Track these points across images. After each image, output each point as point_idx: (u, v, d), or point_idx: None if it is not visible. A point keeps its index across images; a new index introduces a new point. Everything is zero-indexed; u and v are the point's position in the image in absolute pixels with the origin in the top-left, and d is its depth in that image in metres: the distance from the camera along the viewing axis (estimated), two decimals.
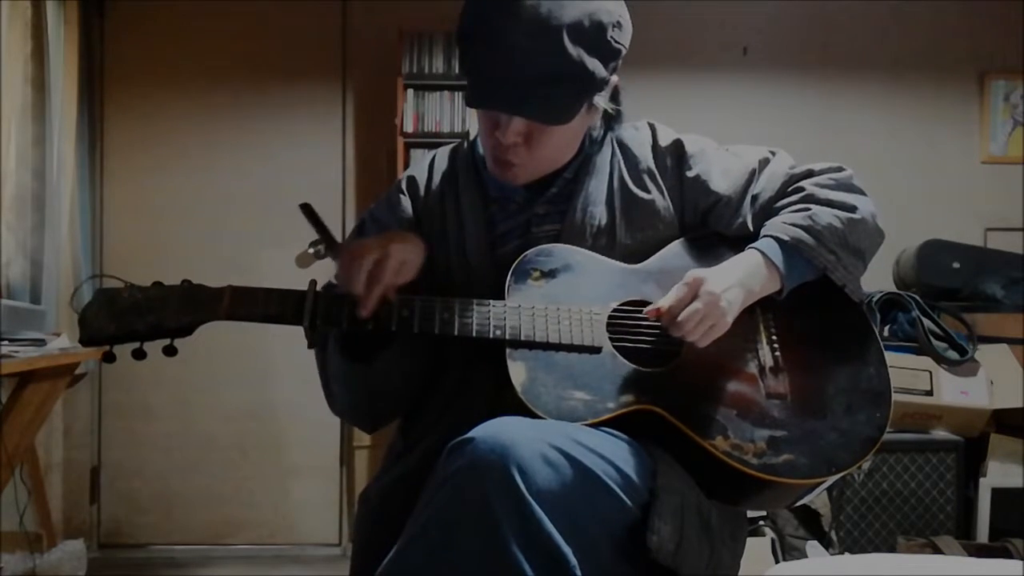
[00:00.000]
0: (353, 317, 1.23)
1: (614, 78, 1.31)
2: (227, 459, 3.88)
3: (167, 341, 1.22)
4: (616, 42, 1.26)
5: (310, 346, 1.29)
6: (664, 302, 1.25)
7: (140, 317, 1.21)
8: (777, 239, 1.30)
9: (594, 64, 1.24)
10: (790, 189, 1.37)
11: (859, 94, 3.99)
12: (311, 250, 1.35)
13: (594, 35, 1.23)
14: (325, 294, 1.24)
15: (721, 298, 1.23)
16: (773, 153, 1.42)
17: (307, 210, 1.28)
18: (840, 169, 1.39)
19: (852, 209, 1.33)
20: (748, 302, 1.28)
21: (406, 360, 1.32)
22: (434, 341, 1.26)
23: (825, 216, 1.31)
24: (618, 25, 1.26)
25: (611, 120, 1.40)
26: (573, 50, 1.21)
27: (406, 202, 1.43)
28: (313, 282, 1.25)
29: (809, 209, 1.32)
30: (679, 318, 1.22)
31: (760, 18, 3.98)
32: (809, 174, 1.38)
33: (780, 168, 1.39)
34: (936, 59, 4.01)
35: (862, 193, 1.37)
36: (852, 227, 1.32)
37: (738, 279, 1.26)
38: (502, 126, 1.28)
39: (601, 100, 1.31)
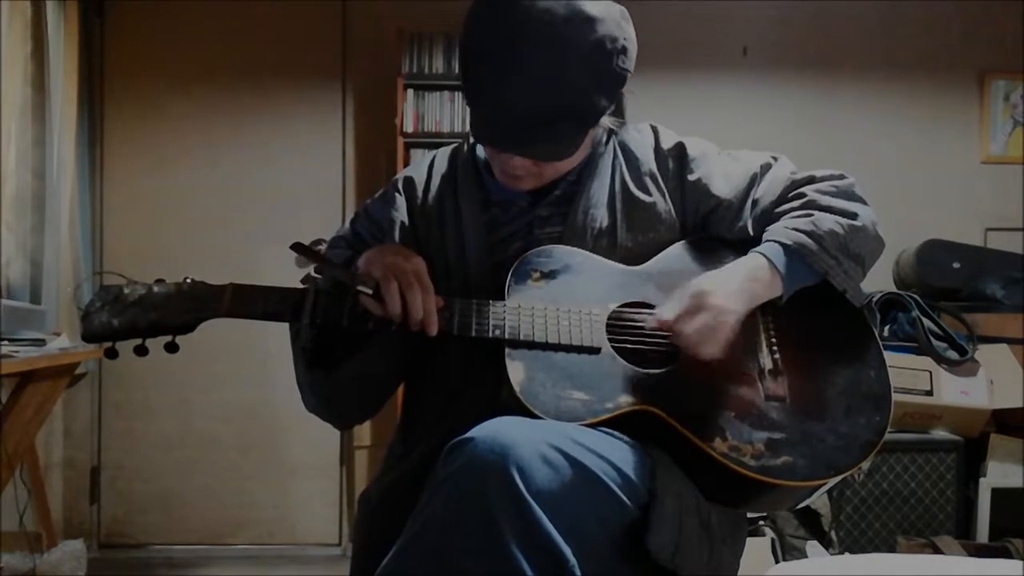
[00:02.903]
0: (354, 315, 1.23)
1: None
2: (227, 459, 3.89)
3: (169, 338, 1.22)
4: (621, 68, 1.26)
5: (304, 346, 1.29)
6: (668, 312, 1.25)
7: (143, 314, 1.21)
8: (780, 243, 1.30)
9: (599, 99, 1.24)
10: (791, 194, 1.37)
11: (859, 94, 4.00)
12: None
13: (601, 65, 1.23)
14: (325, 293, 1.24)
15: (728, 311, 1.23)
16: (775, 158, 1.42)
17: (299, 248, 1.25)
18: (842, 176, 1.39)
19: (853, 216, 1.34)
20: (750, 307, 1.29)
21: (377, 362, 1.32)
22: (423, 342, 1.26)
23: (827, 222, 1.31)
24: (623, 51, 1.26)
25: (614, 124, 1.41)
26: (580, 85, 1.22)
27: (401, 201, 1.43)
28: (314, 280, 1.25)
29: (811, 215, 1.32)
30: (686, 331, 1.22)
31: (760, 18, 3.98)
32: (811, 180, 1.38)
33: (782, 173, 1.39)
34: (936, 59, 4.01)
35: (863, 201, 1.37)
36: (853, 233, 1.32)
37: (742, 287, 1.26)
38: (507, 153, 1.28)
39: (606, 119, 1.32)
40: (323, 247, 1.38)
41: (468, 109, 1.28)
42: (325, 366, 1.30)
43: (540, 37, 1.20)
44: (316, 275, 1.27)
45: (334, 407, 1.38)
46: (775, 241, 1.30)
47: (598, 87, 1.23)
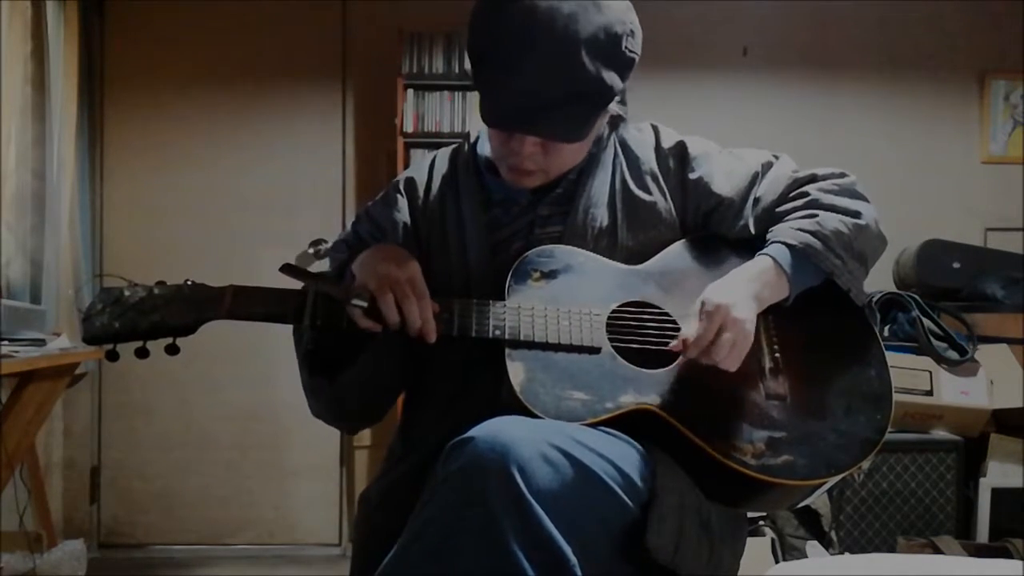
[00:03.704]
0: (353, 318, 1.23)
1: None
2: (227, 459, 3.89)
3: (170, 340, 1.22)
4: (630, 51, 1.26)
5: (306, 348, 1.29)
6: (691, 334, 1.24)
7: (143, 316, 1.21)
8: (786, 244, 1.30)
9: (611, 78, 1.24)
10: (793, 193, 1.37)
11: (859, 94, 4.00)
12: (311, 250, 1.35)
13: (610, 48, 1.23)
14: (325, 294, 1.24)
15: (747, 322, 1.23)
16: (776, 157, 1.42)
17: (290, 270, 1.23)
18: (844, 175, 1.39)
19: (857, 215, 1.34)
20: (760, 310, 1.29)
21: (379, 367, 1.32)
22: (424, 343, 1.26)
23: (832, 221, 1.31)
24: (631, 34, 1.26)
25: (616, 121, 1.40)
26: (591, 66, 1.21)
27: (403, 202, 1.43)
28: (315, 282, 1.25)
29: (816, 215, 1.32)
30: (713, 353, 1.22)
31: (760, 18, 3.98)
32: (813, 179, 1.38)
33: (783, 172, 1.39)
34: (936, 59, 4.01)
35: (865, 200, 1.38)
36: (857, 232, 1.32)
37: (752, 293, 1.26)
38: (516, 139, 1.28)
39: (613, 105, 1.31)
40: (324, 247, 1.38)
41: (478, 96, 1.27)
42: (327, 371, 1.30)
43: (546, 36, 1.20)
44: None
45: (338, 411, 1.38)
46: (781, 242, 1.30)
47: (608, 69, 1.23)
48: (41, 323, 3.05)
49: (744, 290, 1.26)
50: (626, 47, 1.25)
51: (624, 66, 1.26)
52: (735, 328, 1.22)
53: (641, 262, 1.35)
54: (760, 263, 1.30)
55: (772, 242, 1.31)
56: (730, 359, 1.23)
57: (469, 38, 1.28)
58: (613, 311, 1.29)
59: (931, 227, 3.69)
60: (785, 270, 1.29)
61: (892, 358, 1.34)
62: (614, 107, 1.32)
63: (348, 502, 3.92)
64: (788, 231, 1.31)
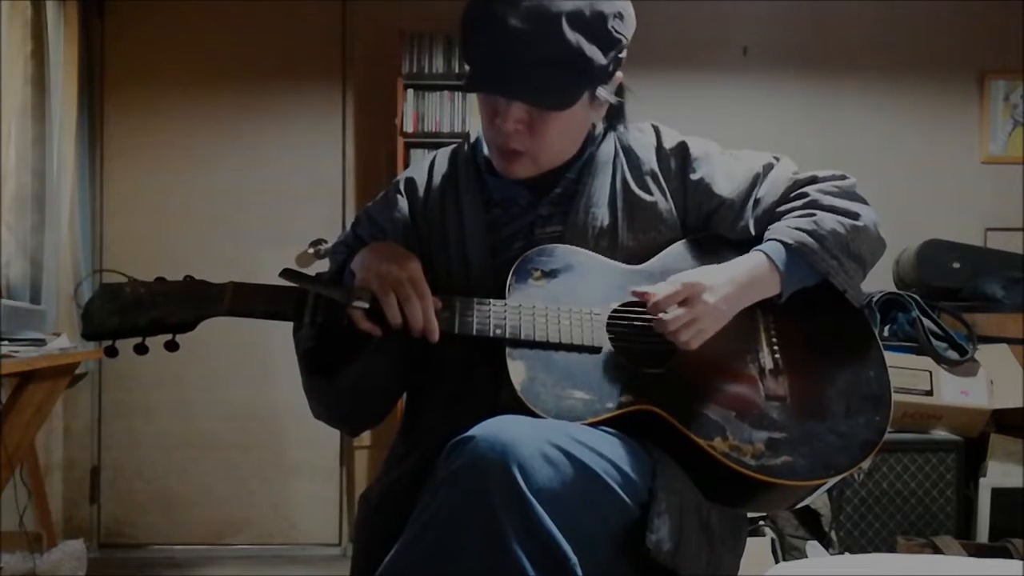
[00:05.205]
0: (354, 320, 1.23)
1: (619, 74, 1.32)
2: (227, 459, 3.89)
3: (169, 336, 1.22)
4: (616, 32, 1.27)
5: (306, 346, 1.29)
6: (655, 290, 1.25)
7: (143, 312, 1.21)
8: (782, 242, 1.30)
9: (592, 51, 1.24)
10: (793, 194, 1.37)
11: (859, 94, 4.00)
12: (311, 250, 1.35)
13: (594, 23, 1.24)
14: (326, 292, 1.24)
15: (714, 308, 1.24)
16: (777, 159, 1.43)
17: (290, 274, 1.23)
18: (844, 177, 1.39)
19: (855, 216, 1.34)
20: (744, 305, 1.29)
21: (378, 368, 1.32)
22: (424, 343, 1.26)
23: (829, 222, 1.31)
24: (619, 16, 1.27)
25: (613, 118, 1.40)
26: (571, 35, 1.22)
27: (403, 203, 1.43)
28: (314, 286, 1.25)
29: (814, 214, 1.32)
30: (666, 318, 1.22)
31: (760, 18, 3.98)
32: (813, 180, 1.38)
33: (784, 173, 1.39)
34: (936, 59, 4.01)
35: (865, 202, 1.38)
36: (855, 234, 1.32)
37: (737, 284, 1.26)
38: (501, 113, 1.28)
39: (604, 93, 1.31)
40: (324, 247, 1.38)
41: (467, 67, 1.29)
42: (327, 371, 1.30)
43: (532, 9, 1.21)
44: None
45: (338, 412, 1.38)
46: (777, 240, 1.30)
47: (591, 42, 1.24)
48: (41, 323, 3.05)
49: (728, 280, 1.26)
50: (612, 26, 1.26)
51: (608, 43, 1.26)
52: (697, 306, 1.22)
53: (642, 262, 1.35)
54: (753, 258, 1.30)
55: (768, 239, 1.32)
56: (680, 333, 1.23)
57: (460, 25, 1.29)
58: (614, 311, 1.30)
59: (931, 227, 3.69)
60: (778, 267, 1.29)
61: (892, 358, 1.34)
62: (605, 94, 1.32)
63: (348, 502, 3.92)
64: (784, 229, 1.31)
